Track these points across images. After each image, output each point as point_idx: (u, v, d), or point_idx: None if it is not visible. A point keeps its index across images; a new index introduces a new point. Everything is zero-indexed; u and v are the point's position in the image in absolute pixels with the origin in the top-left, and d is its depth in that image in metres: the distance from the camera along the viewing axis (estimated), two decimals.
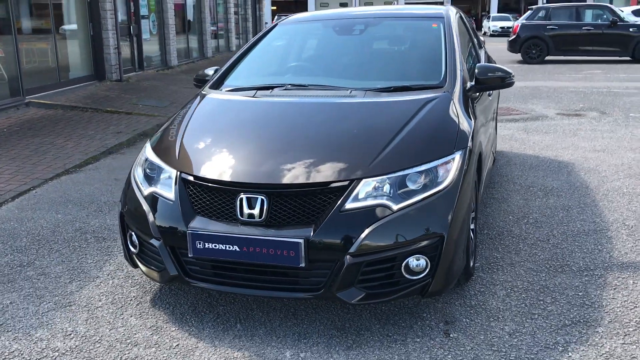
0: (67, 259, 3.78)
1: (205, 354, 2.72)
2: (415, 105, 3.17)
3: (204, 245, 2.73)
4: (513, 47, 16.56)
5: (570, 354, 2.64)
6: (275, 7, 51.83)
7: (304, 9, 50.32)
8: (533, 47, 16.17)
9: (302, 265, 2.61)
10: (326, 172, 2.73)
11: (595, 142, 6.77)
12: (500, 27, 40.17)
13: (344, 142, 2.94)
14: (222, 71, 3.98)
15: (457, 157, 2.85)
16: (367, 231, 2.60)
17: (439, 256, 2.69)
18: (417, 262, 2.67)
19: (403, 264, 2.66)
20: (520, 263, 3.56)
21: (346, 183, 2.68)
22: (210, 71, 4.16)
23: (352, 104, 3.27)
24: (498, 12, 48.28)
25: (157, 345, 2.80)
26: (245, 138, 3.09)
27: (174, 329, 2.93)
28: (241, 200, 2.73)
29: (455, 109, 3.17)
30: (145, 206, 2.95)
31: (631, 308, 2.99)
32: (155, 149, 3.21)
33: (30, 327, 2.99)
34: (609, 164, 5.76)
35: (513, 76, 3.64)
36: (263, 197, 2.70)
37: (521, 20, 16.64)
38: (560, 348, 2.68)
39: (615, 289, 3.21)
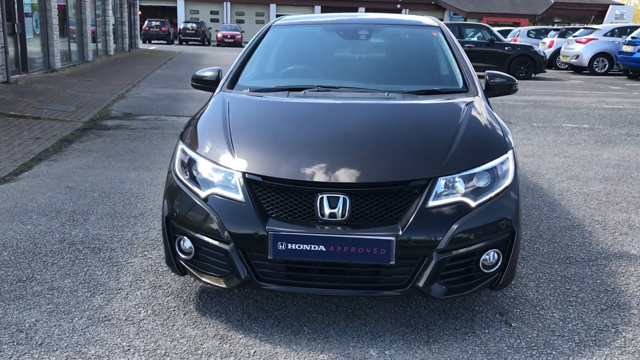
0: (71, 272, 3.46)
1: (290, 358, 2.64)
2: (456, 107, 3.31)
3: (287, 246, 2.65)
4: None
5: (623, 334, 2.90)
6: (140, 12, 49.98)
7: (173, 14, 49.13)
8: None
9: (392, 262, 2.63)
10: (403, 171, 2.77)
11: (519, 148, 7.36)
12: None
13: (407, 142, 3.00)
14: (232, 72, 3.86)
15: (510, 156, 3.02)
16: (453, 228, 2.68)
17: (509, 250, 2.83)
18: (491, 256, 2.80)
19: (481, 259, 2.77)
20: (530, 257, 3.82)
21: (425, 181, 2.75)
22: (207, 72, 4.01)
23: (398, 106, 3.35)
24: None
25: (233, 354, 2.67)
26: (305, 138, 3.04)
27: (240, 336, 2.81)
28: (321, 200, 2.69)
29: (491, 112, 3.36)
30: (207, 209, 2.81)
31: None
32: (198, 151, 3.05)
33: (79, 345, 2.72)
34: (546, 168, 6.31)
35: (517, 83, 3.91)
36: (345, 197, 2.69)
37: None
38: (612, 330, 2.93)
39: (624, 276, 3.56)
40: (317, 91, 3.52)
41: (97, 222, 4.30)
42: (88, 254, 3.73)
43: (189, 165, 3.03)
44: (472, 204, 2.76)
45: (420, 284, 2.68)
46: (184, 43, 39.54)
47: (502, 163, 2.96)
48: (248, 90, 3.62)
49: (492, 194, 2.82)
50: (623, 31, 19.79)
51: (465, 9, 48.93)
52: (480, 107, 3.34)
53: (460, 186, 2.79)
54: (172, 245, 2.98)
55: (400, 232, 2.63)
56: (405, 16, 4.66)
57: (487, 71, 3.93)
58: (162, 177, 5.54)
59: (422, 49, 4.17)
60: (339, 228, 2.67)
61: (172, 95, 11.84)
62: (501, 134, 3.14)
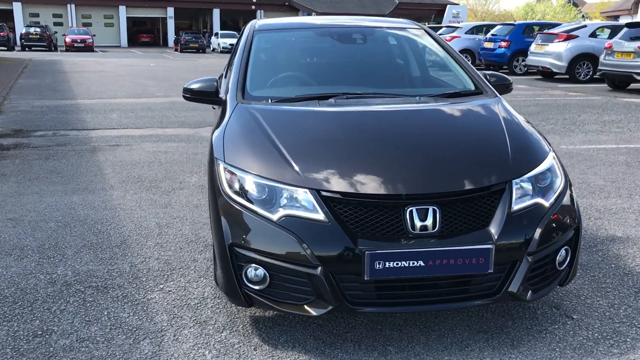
0: (92, 318, 3.02)
1: None
2: (491, 110, 3.35)
3: (385, 265, 2.52)
4: None
5: None
6: None
7: (9, 18, 45.00)
8: None
9: (490, 270, 2.60)
10: (482, 177, 2.75)
11: None
12: (230, 44, 41.61)
13: (468, 148, 2.98)
14: (238, 82, 3.59)
15: (553, 154, 3.11)
16: (539, 230, 2.70)
17: (575, 246, 2.92)
18: (563, 253, 2.86)
19: (558, 258, 2.83)
20: None
21: (503, 185, 2.74)
22: (202, 83, 3.72)
23: (437, 111, 3.31)
24: (221, 29, 49.77)
25: None
26: (367, 149, 2.89)
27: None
28: (410, 212, 2.59)
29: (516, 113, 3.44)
30: (285, 232, 2.58)
31: None
32: (250, 170, 2.80)
33: None
34: None
35: (512, 82, 4.05)
36: (435, 208, 2.61)
37: None
38: None
39: (632, 258, 3.82)
40: (346, 99, 3.38)
41: (78, 257, 3.81)
42: (95, 294, 3.29)
43: (242, 186, 2.77)
44: (546, 204, 2.80)
45: (514, 289, 2.67)
46: (26, 49, 36.36)
47: (556, 161, 3.04)
48: (270, 101, 3.38)
49: (557, 193, 2.89)
50: (479, 29, 21.42)
51: (319, 9, 50.13)
52: (508, 108, 3.41)
53: (530, 188, 2.82)
54: (237, 274, 2.70)
55: (495, 239, 2.60)
56: (385, 19, 4.63)
57: (483, 72, 4.02)
58: (115, 199, 5.05)
59: (417, 51, 4.17)
60: (432, 241, 2.58)
61: (57, 108, 10.83)
62: (539, 133, 3.23)
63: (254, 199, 2.72)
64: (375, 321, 2.98)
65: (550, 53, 16.02)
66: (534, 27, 19.35)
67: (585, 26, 16.01)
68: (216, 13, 52.80)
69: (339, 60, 4.09)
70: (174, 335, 2.86)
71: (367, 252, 2.50)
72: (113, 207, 4.88)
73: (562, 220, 2.84)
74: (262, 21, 4.35)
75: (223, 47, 41.58)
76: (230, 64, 4.68)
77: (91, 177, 5.89)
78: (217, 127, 3.36)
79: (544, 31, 17.17)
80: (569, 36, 15.75)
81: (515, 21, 24.42)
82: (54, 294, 3.28)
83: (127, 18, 50.61)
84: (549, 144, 3.17)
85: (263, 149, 2.91)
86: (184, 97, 3.76)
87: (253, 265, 2.66)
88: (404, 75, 3.97)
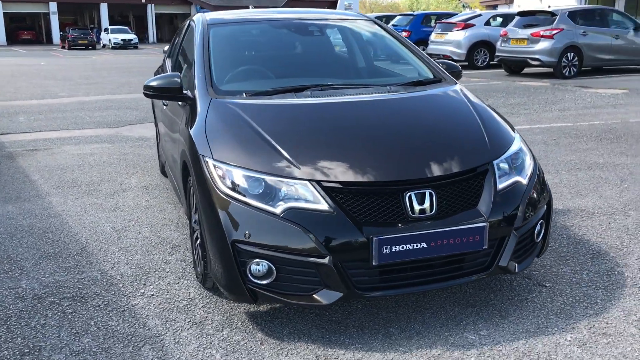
0: (80, 329, 2.89)
1: (409, 359, 2.61)
2: (458, 96, 3.51)
3: (391, 249, 2.60)
4: None
5: (624, 271, 3.42)
6: None
7: None
8: None
9: (485, 247, 2.76)
10: (468, 159, 2.89)
11: None
12: (122, 40, 40.10)
13: (449, 132, 3.11)
14: (204, 77, 3.52)
15: (519, 136, 3.33)
16: (521, 206, 2.89)
17: (548, 219, 3.15)
18: (539, 227, 3.08)
19: (535, 231, 3.04)
20: None
21: (486, 167, 2.91)
22: (166, 79, 3.60)
23: (412, 98, 3.42)
24: (109, 24, 47.72)
25: None
26: (357, 139, 2.95)
27: (341, 352, 2.68)
28: (410, 197, 2.69)
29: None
30: (291, 225, 2.60)
31: None
32: (244, 165, 2.78)
33: None
34: None
35: (461, 70, 4.25)
36: (431, 191, 2.72)
37: None
38: (616, 271, 3.44)
39: (578, 228, 4.15)
40: (321, 90, 3.42)
41: (39, 268, 3.60)
42: (73, 305, 3.13)
43: (236, 181, 2.75)
44: (524, 181, 3.00)
45: (504, 263, 2.84)
46: None
47: (522, 141, 3.25)
48: (245, 95, 3.35)
49: (530, 171, 3.09)
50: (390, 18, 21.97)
51: (213, 3, 49.29)
52: (470, 95, 3.58)
53: (507, 167, 3.00)
54: (242, 270, 2.69)
55: (487, 217, 2.76)
56: (333, 11, 4.68)
57: (441, 60, 4.19)
58: (57, 206, 4.80)
59: (373, 42, 4.27)
60: (430, 223, 2.69)
61: None
62: (502, 117, 3.43)
63: (252, 194, 2.71)
64: (370, 305, 3.06)
65: (450, 41, 16.78)
66: (432, 17, 20.15)
67: (480, 15, 16.89)
68: (104, 7, 50.54)
69: (301, 53, 4.11)
70: (174, 339, 2.80)
71: (374, 238, 2.57)
72: (57, 214, 4.63)
73: (538, 195, 3.05)
74: (210, 15, 4.28)
75: (115, 43, 39.98)
76: (178, 60, 4.57)
77: (19, 184, 5.53)
78: (190, 123, 3.29)
79: (443, 20, 17.94)
80: (466, 25, 16.57)
81: (411, 12, 25.29)
82: (27, 309, 3.09)
83: (4, 14, 47.30)
84: (512, 126, 3.37)
85: (253, 144, 2.89)
86: (145, 94, 3.63)
87: (257, 260, 2.65)
88: (367, 66, 4.06)
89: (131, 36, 40.82)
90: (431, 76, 3.82)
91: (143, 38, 51.19)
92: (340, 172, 2.71)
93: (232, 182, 2.76)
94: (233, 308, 3.06)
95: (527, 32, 13.95)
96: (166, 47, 6.14)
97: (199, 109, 3.31)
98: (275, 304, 2.96)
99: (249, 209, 2.67)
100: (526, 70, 15.42)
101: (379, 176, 2.70)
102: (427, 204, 2.70)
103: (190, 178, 3.20)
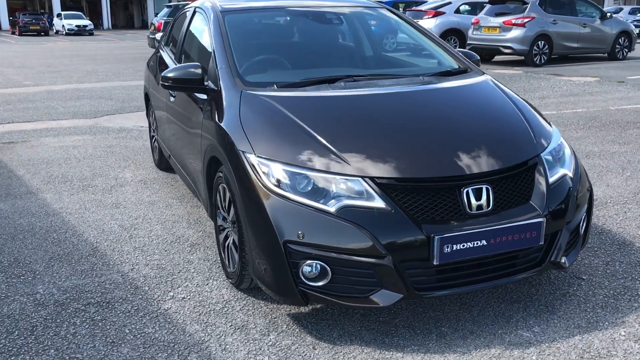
0: (114, 337, 2.71)
1: (468, 358, 2.54)
2: (492, 87, 3.43)
3: (452, 248, 2.51)
4: None
5: None
6: None
7: None
8: None
9: (542, 243, 2.70)
10: (519, 152, 2.82)
11: None
12: (77, 26, 38.87)
13: (494, 125, 3.02)
14: (230, 68, 3.34)
15: (556, 129, 3.28)
16: (571, 200, 2.84)
17: (590, 211, 3.11)
18: (583, 219, 3.04)
19: (581, 224, 3.00)
20: None
21: (536, 160, 2.84)
22: (176, 72, 3.41)
23: (449, 90, 3.31)
24: (61, 9, 46.12)
25: None
26: (404, 132, 2.84)
27: (399, 355, 2.59)
28: (467, 193, 2.61)
29: None
30: (347, 224, 2.48)
31: None
32: (281, 159, 2.65)
33: None
34: None
35: (479, 59, 4.17)
36: (487, 186, 2.64)
37: (162, 17, 16.74)
38: None
39: (597, 218, 4.15)
40: (354, 81, 3.29)
41: (52, 272, 3.38)
42: (101, 311, 2.95)
43: (284, 179, 2.61)
44: (570, 174, 2.95)
45: (556, 258, 2.79)
46: None
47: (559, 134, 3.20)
48: (275, 87, 3.19)
49: (573, 163, 3.05)
50: None
51: None
52: (502, 85, 3.52)
53: (553, 160, 2.95)
54: (294, 272, 2.55)
55: (542, 212, 2.69)
56: None
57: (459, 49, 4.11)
58: (53, 203, 4.55)
59: (395, 30, 4.15)
60: (486, 219, 2.61)
61: None
62: (539, 111, 3.37)
63: (301, 191, 2.58)
64: (414, 304, 2.97)
65: None
66: (400, 4, 20.11)
67: (450, 3, 16.93)
68: None
69: (321, 42, 3.96)
70: (220, 345, 2.65)
71: (436, 237, 2.47)
72: (56, 212, 4.38)
73: (582, 187, 3.00)
74: (221, 2, 4.07)
75: (69, 29, 38.72)
76: (184, 50, 4.35)
77: (5, 180, 5.23)
78: (217, 117, 3.12)
79: (412, 8, 17.93)
80: (437, 12, 16.58)
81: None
82: (52, 317, 2.89)
83: None
84: (546, 119, 3.32)
85: (297, 139, 2.75)
86: (163, 85, 3.43)
87: (310, 261, 2.53)
88: (391, 55, 3.94)
89: (86, 22, 39.59)
90: (457, 66, 3.73)
91: (97, 24, 49.68)
92: (393, 168, 2.60)
93: (278, 180, 2.62)
94: (273, 310, 2.93)
95: (499, 20, 14.05)
96: (157, 35, 5.88)
97: (226, 101, 3.15)
98: (326, 305, 2.84)
99: (301, 208, 2.54)
100: (496, 58, 15.56)
101: (436, 172, 2.60)
102: (483, 200, 2.61)
103: (220, 174, 3.04)
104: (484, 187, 2.62)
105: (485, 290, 3.10)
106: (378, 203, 2.51)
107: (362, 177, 2.56)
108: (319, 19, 4.05)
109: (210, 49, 3.63)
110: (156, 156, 5.49)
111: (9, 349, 2.63)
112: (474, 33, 14.62)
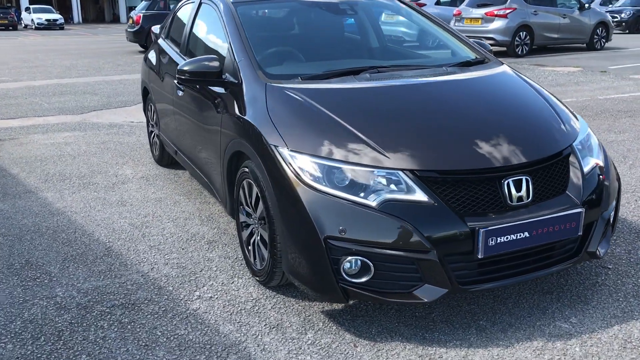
0: (151, 342, 2.62)
1: (509, 351, 2.51)
2: (514, 77, 3.40)
3: (496, 240, 2.48)
4: (138, 37, 16.29)
5: None
6: None
7: None
8: None
9: (580, 233, 2.68)
10: (553, 142, 2.80)
11: None
12: (47, 20, 38.04)
13: (527, 115, 2.99)
14: (250, 61, 3.25)
15: (581, 118, 3.27)
16: (605, 188, 2.83)
17: (618, 200, 3.11)
18: (612, 208, 3.03)
19: (612, 213, 2.99)
20: None
21: (569, 150, 2.82)
22: (193, 65, 3.32)
23: (475, 80, 3.27)
24: (30, 3, 45.07)
25: None
26: (438, 124, 2.79)
27: (442, 351, 2.55)
28: (508, 184, 2.57)
29: None
30: (390, 219, 2.43)
31: None
32: (317, 153, 2.58)
33: None
34: None
35: (492, 50, 4.15)
36: (527, 177, 2.61)
37: (140, 10, 16.42)
38: None
39: None
40: (378, 72, 3.22)
41: (69, 273, 3.27)
42: (128, 313, 2.85)
43: (320, 173, 2.55)
44: (601, 163, 2.94)
45: (592, 248, 2.77)
46: None
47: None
48: (300, 79, 3.11)
49: (602, 152, 3.04)
50: None
51: None
52: (523, 76, 3.49)
53: (583, 149, 2.93)
54: (334, 269, 2.49)
55: (580, 202, 2.67)
56: None
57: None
58: (56, 202, 4.41)
59: (413, 21, 4.09)
60: (526, 210, 2.58)
61: None
62: (558, 99, 3.36)
63: (339, 186, 2.52)
64: (447, 298, 2.93)
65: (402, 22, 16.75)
66: None
67: None
68: None
69: (338, 32, 3.89)
70: (258, 345, 2.58)
71: (481, 230, 2.43)
72: (60, 211, 4.25)
73: (613, 176, 3.00)
74: None
75: (38, 24, 37.86)
76: (190, 42, 4.24)
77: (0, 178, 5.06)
78: (240, 110, 3.04)
79: None
80: (417, 4, 16.59)
81: None
82: (77, 321, 2.78)
83: None
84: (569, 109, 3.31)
85: (330, 132, 2.68)
86: (179, 79, 3.33)
87: (351, 257, 2.47)
88: (410, 46, 3.89)
89: (56, 16, 38.74)
90: (475, 56, 3.69)
91: (67, 18, 48.67)
92: (433, 160, 2.55)
93: (314, 174, 2.55)
94: (305, 307, 2.87)
95: (481, 11, 14.11)
96: (153, 28, 5.73)
97: (250, 95, 3.06)
98: (359, 301, 2.78)
99: (340, 202, 2.48)
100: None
101: (476, 163, 2.56)
102: (523, 191, 2.58)
103: (245, 170, 2.96)
104: (523, 178, 2.59)
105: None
106: (420, 196, 2.46)
107: (402, 170, 2.51)
108: (332, 10, 3.98)
109: (224, 42, 3.53)
110: (156, 152, 5.36)
111: (38, 355, 2.52)
112: (456, 24, 14.65)
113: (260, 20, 3.76)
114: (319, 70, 3.22)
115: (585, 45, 15.56)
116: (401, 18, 4.12)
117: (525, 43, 14.01)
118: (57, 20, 38.27)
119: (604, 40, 15.64)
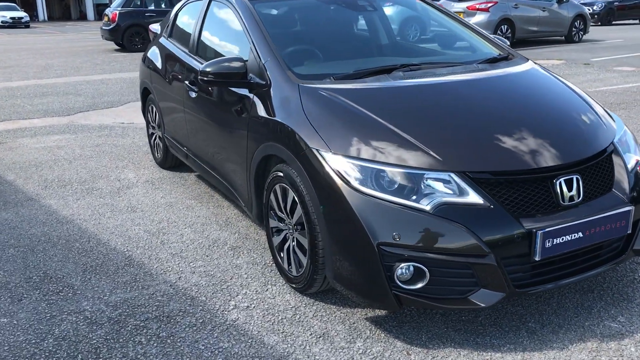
0: (197, 357, 2.51)
1: (564, 351, 2.47)
2: (545, 74, 3.36)
3: (553, 241, 2.43)
4: (114, 35, 15.94)
5: None
6: None
7: None
8: (136, 35, 15.92)
9: (629, 231, 2.65)
10: (597, 140, 2.76)
11: None
12: (11, 18, 37.09)
13: (568, 113, 2.94)
14: (275, 61, 3.15)
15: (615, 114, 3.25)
16: None
17: None
18: None
19: None
20: None
21: (612, 147, 2.79)
22: (217, 66, 3.20)
23: (511, 77, 3.21)
24: None
25: None
26: (483, 123, 2.72)
27: (499, 355, 2.49)
28: (560, 184, 2.52)
29: None
30: (446, 223, 2.36)
31: None
32: (363, 156, 2.50)
33: None
34: None
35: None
36: (577, 176, 2.57)
37: (116, 8, 16.05)
38: None
39: None
40: (410, 71, 3.15)
41: (92, 285, 3.13)
42: (164, 327, 2.73)
43: (367, 176, 2.47)
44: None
45: (637, 246, 2.74)
46: None
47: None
48: (332, 79, 3.02)
49: (638, 148, 3.02)
50: None
51: None
52: (552, 72, 3.46)
53: (625, 146, 2.91)
54: (387, 275, 2.42)
55: (628, 200, 2.64)
56: None
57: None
58: (61, 210, 4.26)
59: (428, 17, 4.02)
60: (577, 210, 2.54)
61: None
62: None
63: (388, 189, 2.44)
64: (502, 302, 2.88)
65: None
66: None
67: None
68: None
69: (361, 30, 3.80)
70: (308, 357, 2.49)
71: (539, 232, 2.38)
72: (68, 219, 4.08)
73: None
74: None
75: (3, 22, 36.85)
76: (201, 41, 4.10)
77: None
78: (271, 112, 2.94)
79: None
80: None
81: None
82: (112, 336, 2.66)
83: None
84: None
85: (374, 133, 2.60)
86: (202, 80, 3.21)
87: (405, 263, 2.39)
88: (436, 42, 3.82)
89: (21, 14, 37.76)
90: (499, 53, 3.64)
91: (32, 16, 47.52)
92: (485, 161, 2.49)
93: (361, 178, 2.47)
94: (348, 314, 2.79)
95: (463, 5, 14.16)
96: (151, 27, 5.56)
97: (282, 96, 2.97)
98: (422, 309, 2.71)
99: (392, 207, 2.40)
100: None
101: (528, 163, 2.51)
102: (574, 190, 2.54)
103: (279, 174, 2.87)
104: (574, 177, 2.54)
105: None
106: (474, 198, 2.40)
107: (455, 171, 2.44)
108: (352, 6, 3.89)
109: (244, 41, 3.42)
110: (158, 155, 5.21)
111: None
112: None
113: (278, 18, 3.64)
114: (347, 69, 3.13)
115: (564, 38, 15.74)
116: (418, 14, 4.05)
117: (507, 36, 14.09)
118: (22, 18, 37.31)
119: (581, 33, 15.84)
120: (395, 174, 2.45)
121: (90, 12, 51.06)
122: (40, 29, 35.46)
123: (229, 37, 3.76)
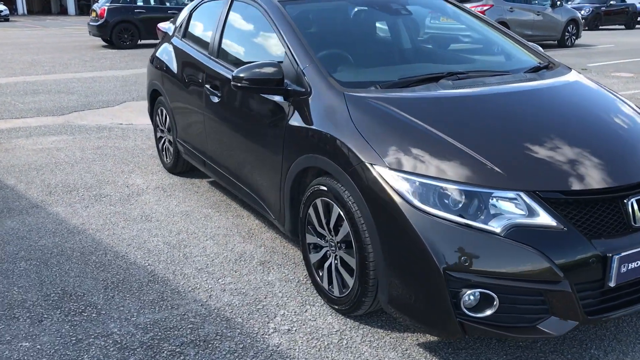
0: None
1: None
2: (591, 84, 3.23)
3: (628, 266, 2.28)
4: (102, 31, 15.56)
5: None
6: None
7: None
8: (124, 32, 15.57)
9: None
10: None
11: None
12: None
13: (625, 126, 2.80)
14: (315, 67, 2.96)
15: None
16: None
17: None
18: None
19: None
20: None
21: None
22: (252, 71, 3.01)
23: (564, 87, 3.06)
24: None
25: None
26: (545, 137, 2.56)
27: None
28: (632, 204, 2.38)
29: None
30: (517, 247, 2.20)
31: None
32: (423, 172, 2.33)
33: None
34: None
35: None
36: None
37: (104, 3, 15.66)
38: None
39: None
40: (458, 79, 2.98)
41: (116, 304, 2.91)
42: (202, 352, 2.53)
43: (428, 195, 2.30)
44: None
45: None
46: None
47: None
48: (378, 87, 2.84)
49: None
50: None
51: None
52: (596, 82, 3.33)
53: None
54: (453, 302, 2.25)
55: None
56: None
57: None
58: (70, 219, 4.02)
59: (462, 22, 3.86)
60: None
61: None
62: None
63: (454, 209, 2.27)
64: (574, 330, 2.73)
65: None
66: None
67: None
68: None
69: (397, 34, 3.62)
70: None
71: (615, 256, 2.23)
72: (79, 229, 3.85)
73: None
74: None
75: None
76: (224, 43, 3.89)
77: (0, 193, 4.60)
78: (315, 123, 2.76)
79: None
80: None
81: None
82: (167, 355, 2.45)
83: None
84: None
85: (434, 148, 2.43)
86: (235, 86, 3.01)
87: (471, 289, 2.23)
88: (476, 48, 3.66)
89: (1, 7, 36.95)
90: (540, 61, 3.50)
91: (11, 9, 46.57)
92: (555, 180, 2.33)
93: (423, 196, 2.29)
94: (398, 340, 2.62)
95: None
96: (161, 26, 5.33)
97: (325, 105, 2.79)
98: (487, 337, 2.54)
99: (459, 229, 2.23)
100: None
101: (599, 182, 2.35)
102: None
103: (322, 188, 2.69)
104: None
105: None
106: (546, 220, 2.24)
107: (525, 191, 2.27)
108: (386, 10, 3.71)
109: (274, 45, 3.24)
110: (168, 160, 4.99)
111: None
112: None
113: (315, 22, 3.46)
114: (389, 76, 2.96)
115: (556, 42, 15.75)
116: (455, 20, 3.89)
117: None
118: (1, 11, 36.51)
119: (574, 37, 15.87)
120: (460, 192, 2.28)
121: (71, 7, 50.21)
122: (20, 22, 34.73)
123: (256, 40, 3.56)
